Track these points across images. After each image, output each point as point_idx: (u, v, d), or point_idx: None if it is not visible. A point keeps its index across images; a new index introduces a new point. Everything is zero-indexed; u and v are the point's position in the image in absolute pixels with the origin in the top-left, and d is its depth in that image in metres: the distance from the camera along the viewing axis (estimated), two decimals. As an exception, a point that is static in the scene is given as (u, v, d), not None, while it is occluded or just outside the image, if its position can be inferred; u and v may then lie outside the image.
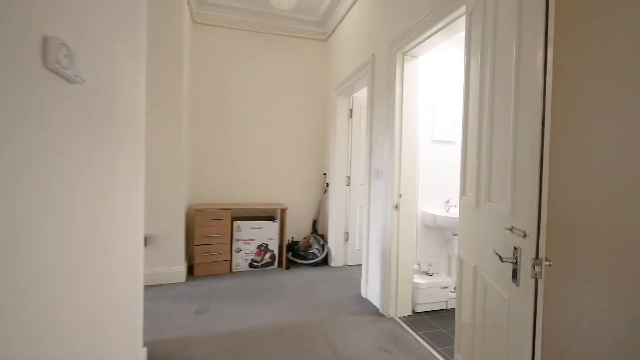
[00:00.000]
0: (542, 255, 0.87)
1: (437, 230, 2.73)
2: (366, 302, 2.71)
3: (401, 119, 2.40)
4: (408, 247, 2.46)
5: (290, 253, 3.82)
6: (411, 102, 2.43)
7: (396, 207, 2.41)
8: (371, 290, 2.71)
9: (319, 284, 3.13)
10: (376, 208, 2.67)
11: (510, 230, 0.99)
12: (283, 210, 3.70)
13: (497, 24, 1.19)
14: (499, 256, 0.98)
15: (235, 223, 3.45)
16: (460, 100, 2.81)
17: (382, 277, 2.52)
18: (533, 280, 0.88)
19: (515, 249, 0.95)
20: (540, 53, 0.87)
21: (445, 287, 2.56)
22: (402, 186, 2.42)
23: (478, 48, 1.36)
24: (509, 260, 0.95)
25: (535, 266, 0.87)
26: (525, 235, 0.91)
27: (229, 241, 3.39)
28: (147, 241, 2.95)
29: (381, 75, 2.62)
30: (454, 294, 2.64)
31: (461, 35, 2.66)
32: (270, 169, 4.00)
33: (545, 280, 0.88)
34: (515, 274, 0.95)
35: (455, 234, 2.65)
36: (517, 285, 0.94)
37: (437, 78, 2.73)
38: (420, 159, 2.63)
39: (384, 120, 2.53)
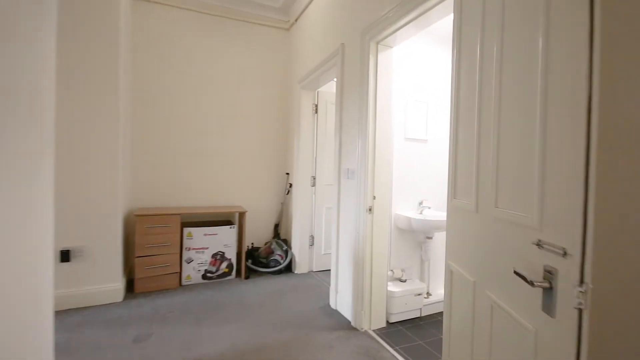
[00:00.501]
0: (588, 279, 0.68)
1: (410, 233, 2.58)
2: (336, 314, 2.47)
3: (375, 115, 2.20)
4: (382, 253, 2.26)
5: (250, 261, 3.47)
6: (385, 97, 2.23)
7: (370, 210, 2.20)
8: (342, 300, 2.48)
9: (283, 294, 2.83)
10: (347, 211, 2.44)
11: (537, 245, 0.80)
12: (241, 214, 3.34)
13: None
14: (524, 278, 0.79)
15: (186, 230, 3.02)
16: (434, 96, 2.70)
17: (354, 286, 2.31)
18: (576, 311, 0.69)
19: (549, 272, 0.76)
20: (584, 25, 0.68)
21: (419, 294, 2.41)
22: (376, 188, 2.22)
23: (476, 29, 1.17)
24: (540, 284, 0.76)
25: (580, 293, 0.68)
26: (565, 253, 0.72)
27: (178, 251, 2.95)
28: (69, 256, 2.42)
29: (352, 66, 2.40)
30: (428, 299, 2.51)
31: (438, 24, 2.54)
32: (227, 168, 3.61)
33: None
34: (548, 302, 0.76)
35: (429, 237, 2.51)
36: (552, 316, 0.75)
37: (409, 71, 2.57)
38: (393, 158, 2.45)
39: (356, 115, 2.31)
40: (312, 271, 3.52)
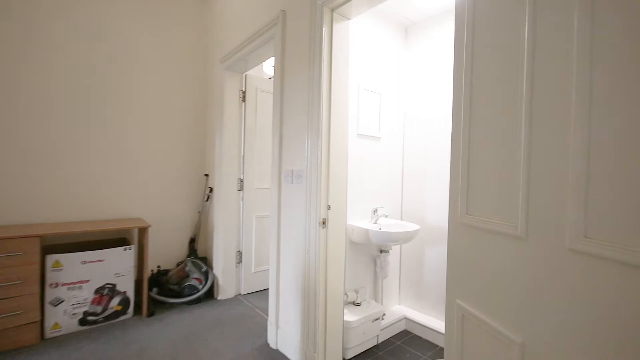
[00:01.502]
0: None
1: (363, 247, 2.20)
2: (278, 356, 1.93)
3: (329, 105, 1.73)
4: (338, 276, 1.81)
5: (155, 290, 2.64)
6: (342, 82, 1.79)
7: (323, 223, 1.73)
8: (285, 338, 1.95)
9: (203, 336, 2.15)
10: (291, 224, 1.92)
11: None
12: (142, 230, 2.51)
13: None
14: None
15: (51, 258, 2.07)
16: (387, 87, 2.37)
17: (303, 320, 1.80)
18: None
19: None
20: None
21: (376, 319, 2.04)
22: (332, 195, 1.75)
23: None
24: None
25: None
26: None
27: (36, 289, 1.99)
28: None
29: (297, 41, 1.89)
30: (383, 321, 2.16)
31: (395, 9, 2.20)
32: (122, 170, 2.69)
33: None
34: None
35: (385, 250, 2.17)
36: None
37: (360, 56, 2.19)
38: (348, 159, 2.02)
39: (304, 105, 1.81)
40: (241, 295, 2.88)
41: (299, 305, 1.84)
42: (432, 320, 2.23)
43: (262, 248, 3.00)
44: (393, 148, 2.42)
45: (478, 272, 0.94)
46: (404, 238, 1.96)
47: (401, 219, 2.47)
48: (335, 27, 1.74)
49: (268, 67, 3.14)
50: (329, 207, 1.74)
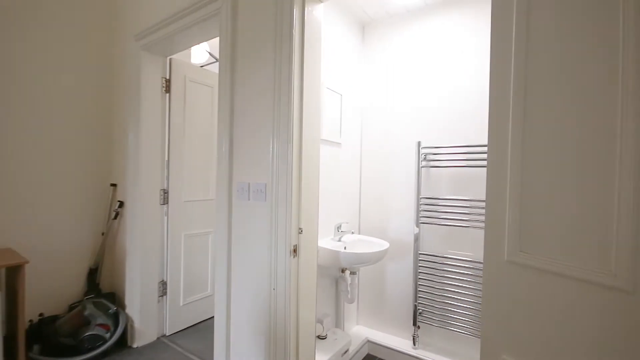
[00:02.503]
0: None
1: (324, 268, 1.92)
2: (231, 423, 1.50)
3: (301, 104, 1.40)
4: (310, 312, 1.49)
5: (37, 347, 1.88)
6: (314, 77, 1.47)
7: (294, 251, 1.39)
8: (238, 396, 1.54)
9: (120, 409, 1.57)
10: (248, 250, 1.52)
11: None
12: (13, 269, 1.75)
13: None
14: None
15: None
16: (348, 88, 2.14)
17: (266, 375, 1.43)
18: None
19: None
20: None
21: (345, 352, 1.79)
22: (303, 216, 1.43)
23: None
24: None
25: None
26: None
27: None
28: None
29: (255, 21, 1.50)
30: (348, 353, 1.93)
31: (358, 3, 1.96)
32: (-28, 177, 1.84)
33: None
34: None
35: (352, 272, 1.93)
36: None
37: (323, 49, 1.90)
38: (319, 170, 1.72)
39: (267, 104, 1.44)
40: (165, 336, 2.29)
41: (261, 351, 1.46)
42: (395, 339, 2.10)
43: (193, 273, 2.46)
44: (353, 155, 2.20)
45: (540, 324, 0.76)
46: (376, 258, 1.75)
47: (359, 232, 2.28)
48: (308, 9, 1.42)
49: (200, 52, 2.60)
50: (300, 231, 1.41)
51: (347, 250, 1.71)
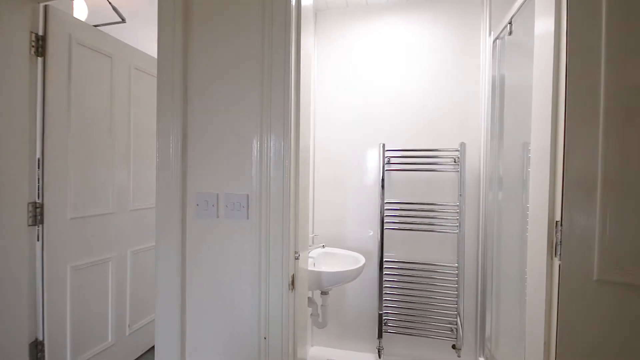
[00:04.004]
0: None
1: (291, 290, 1.61)
2: None
3: (298, 80, 1.07)
4: (303, 356, 1.17)
5: None
6: (308, 51, 1.16)
7: (292, 283, 1.05)
8: None
9: None
10: (218, 290, 1.09)
11: None
12: None
13: None
14: None
15: None
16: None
17: None
18: None
19: None
20: None
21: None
22: (301, 236, 1.10)
23: None
24: None
25: None
26: None
27: None
28: None
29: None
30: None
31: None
32: None
33: None
34: None
35: (324, 293, 1.67)
36: None
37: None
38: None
39: (251, 84, 1.05)
40: (43, 423, 1.52)
41: None
42: (359, 355, 1.95)
43: (87, 319, 1.74)
44: (310, 154, 1.94)
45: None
46: (356, 274, 1.55)
47: (312, 243, 2.03)
48: (302, -35, 1.09)
49: (91, 5, 1.85)
50: (297, 256, 1.08)
51: (328, 270, 1.45)
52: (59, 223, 1.60)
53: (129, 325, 2.01)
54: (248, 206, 1.04)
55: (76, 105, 1.66)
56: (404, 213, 1.91)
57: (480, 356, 1.81)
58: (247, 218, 1.04)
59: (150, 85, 2.16)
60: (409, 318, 1.91)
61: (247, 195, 1.04)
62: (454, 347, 1.87)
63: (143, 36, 2.30)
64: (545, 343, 0.90)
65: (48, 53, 1.54)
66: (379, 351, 1.90)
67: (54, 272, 1.57)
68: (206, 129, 1.08)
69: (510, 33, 1.57)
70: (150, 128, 2.14)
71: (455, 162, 1.85)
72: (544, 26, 0.99)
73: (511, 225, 1.74)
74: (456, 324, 1.84)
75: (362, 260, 1.64)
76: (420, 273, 1.91)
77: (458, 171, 1.84)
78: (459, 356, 1.84)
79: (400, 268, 1.92)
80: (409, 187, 1.95)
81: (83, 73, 1.70)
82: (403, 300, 1.92)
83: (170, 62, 1.09)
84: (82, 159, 1.71)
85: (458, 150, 1.83)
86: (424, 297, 1.89)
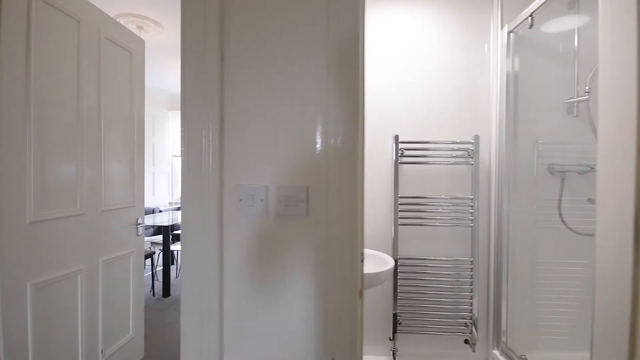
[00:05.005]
0: None
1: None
2: None
3: (364, 51, 0.91)
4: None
5: None
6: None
7: (361, 291, 0.89)
8: None
9: None
10: (271, 303, 0.88)
11: None
12: None
13: None
14: None
15: None
16: None
17: None
18: None
19: None
20: None
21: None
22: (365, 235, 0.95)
23: None
24: None
25: None
26: None
27: None
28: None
29: None
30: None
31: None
32: None
33: None
34: None
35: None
36: None
37: None
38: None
39: (311, 43, 0.86)
40: None
41: None
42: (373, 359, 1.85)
43: (54, 345, 1.39)
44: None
45: None
46: (387, 275, 1.43)
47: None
48: None
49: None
50: (362, 258, 0.92)
51: (366, 272, 1.31)
52: (15, 229, 1.23)
53: (102, 351, 1.66)
54: (307, 200, 0.86)
55: (37, 82, 1.30)
56: (416, 208, 1.84)
57: (494, 349, 1.82)
58: (307, 215, 0.86)
59: (124, 61, 1.82)
60: (423, 316, 1.85)
61: (307, 188, 0.86)
62: (466, 341, 1.85)
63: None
64: (631, 333, 0.86)
65: (2, 7, 1.17)
66: (393, 353, 1.81)
67: (9, 293, 1.21)
68: (251, 104, 0.87)
69: (530, 26, 1.57)
70: (124, 112, 1.80)
71: (469, 155, 1.82)
72: None
73: (524, 218, 1.76)
74: (470, 319, 1.82)
75: (389, 260, 1.53)
76: (432, 269, 1.85)
77: (471, 164, 1.82)
78: (473, 351, 1.82)
79: (414, 265, 1.85)
80: (418, 180, 1.89)
81: (45, 39, 1.34)
82: (417, 298, 1.85)
83: (203, 8, 0.86)
84: (44, 150, 1.35)
85: (472, 143, 1.81)
86: (437, 293, 1.85)
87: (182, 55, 0.87)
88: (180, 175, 0.88)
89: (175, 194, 6.35)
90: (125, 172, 1.86)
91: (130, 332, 1.89)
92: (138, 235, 1.96)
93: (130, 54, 1.86)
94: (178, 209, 5.94)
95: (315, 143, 0.85)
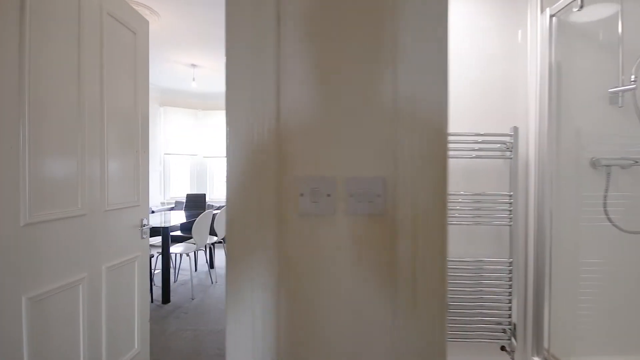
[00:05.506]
0: None
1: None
2: None
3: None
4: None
5: None
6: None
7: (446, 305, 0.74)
8: None
9: None
10: (343, 317, 0.72)
11: None
12: None
13: None
14: None
15: None
16: None
17: None
18: None
19: None
20: None
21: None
22: (446, 233, 0.79)
23: None
24: None
25: None
26: None
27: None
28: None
29: None
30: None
31: None
32: None
33: None
34: None
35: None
36: None
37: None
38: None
39: None
40: None
41: None
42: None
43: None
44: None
45: None
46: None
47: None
48: None
49: None
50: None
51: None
52: (7, 233, 1.04)
53: (106, 370, 1.47)
54: (385, 195, 0.70)
55: (33, 64, 1.11)
56: (449, 205, 1.71)
57: (534, 356, 1.70)
58: (383, 213, 0.70)
59: (128, 43, 1.62)
60: (456, 322, 1.72)
61: (384, 179, 0.70)
62: (502, 348, 1.73)
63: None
64: None
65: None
66: (427, 363, 1.67)
67: (1, 309, 1.01)
68: (312, 74, 0.71)
69: (580, 7, 1.46)
70: (128, 102, 1.61)
71: (507, 148, 1.70)
72: None
73: (567, 215, 1.65)
74: (509, 324, 1.70)
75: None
76: (467, 271, 1.72)
77: (509, 158, 1.70)
78: (512, 358, 1.70)
79: (450, 267, 1.71)
80: (450, 176, 1.76)
81: (41, 14, 1.14)
82: (450, 302, 1.72)
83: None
84: (40, 141, 1.15)
85: (510, 135, 1.68)
86: (472, 296, 1.72)
87: (227, 19, 0.70)
88: (226, 161, 0.71)
89: (168, 194, 6.10)
90: (129, 168, 1.66)
91: (136, 347, 1.70)
92: (143, 238, 1.76)
93: (134, 34, 1.66)
94: (171, 209, 5.69)
95: (394, 120, 0.70)
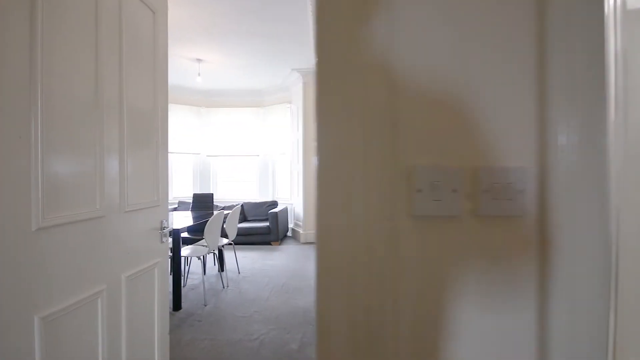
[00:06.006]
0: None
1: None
2: None
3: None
4: None
5: None
6: None
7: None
8: None
9: None
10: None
11: None
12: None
13: None
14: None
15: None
16: None
17: None
18: None
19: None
20: None
21: None
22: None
23: None
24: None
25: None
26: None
27: None
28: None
29: None
30: None
31: None
32: None
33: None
34: None
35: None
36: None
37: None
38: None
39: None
40: None
41: None
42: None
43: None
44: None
45: None
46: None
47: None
48: None
49: None
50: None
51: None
52: (17, 239, 0.86)
53: (127, 393, 1.29)
54: (525, 191, 0.54)
55: (46, 47, 0.93)
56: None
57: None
58: (523, 214, 0.54)
59: (146, 23, 1.45)
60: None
61: (524, 170, 0.54)
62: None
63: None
64: None
65: None
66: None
67: (10, 333, 0.84)
68: (430, 34, 0.54)
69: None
70: (147, 91, 1.44)
71: (567, 141, 1.54)
72: None
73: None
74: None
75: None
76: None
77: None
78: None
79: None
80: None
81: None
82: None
83: None
84: (53, 135, 0.97)
85: (570, 127, 1.52)
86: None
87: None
88: (317, 147, 0.54)
89: (171, 194, 5.89)
90: (148, 165, 1.49)
91: (156, 362, 1.52)
92: (162, 241, 1.58)
93: (153, 14, 1.49)
94: (174, 209, 5.49)
95: (541, 93, 0.53)
